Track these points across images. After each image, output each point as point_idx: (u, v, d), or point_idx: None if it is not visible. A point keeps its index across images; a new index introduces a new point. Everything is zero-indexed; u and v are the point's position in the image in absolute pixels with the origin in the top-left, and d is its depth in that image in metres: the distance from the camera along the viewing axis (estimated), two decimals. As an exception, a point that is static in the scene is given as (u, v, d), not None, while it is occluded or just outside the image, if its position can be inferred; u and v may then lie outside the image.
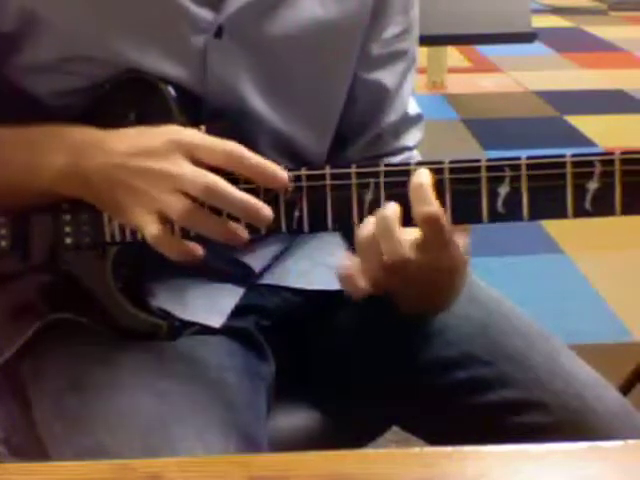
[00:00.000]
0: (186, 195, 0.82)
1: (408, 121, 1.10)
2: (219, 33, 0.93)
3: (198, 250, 0.84)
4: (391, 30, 1.05)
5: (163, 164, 0.84)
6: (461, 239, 0.85)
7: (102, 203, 0.89)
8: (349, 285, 0.85)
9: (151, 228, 0.83)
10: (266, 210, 0.83)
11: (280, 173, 0.83)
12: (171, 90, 0.91)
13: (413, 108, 1.11)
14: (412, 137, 1.10)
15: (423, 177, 0.81)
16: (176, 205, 0.82)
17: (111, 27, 0.91)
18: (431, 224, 0.80)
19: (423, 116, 1.12)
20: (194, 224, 0.84)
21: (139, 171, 0.85)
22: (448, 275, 0.87)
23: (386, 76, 1.06)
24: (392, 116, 1.08)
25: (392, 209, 0.82)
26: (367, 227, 0.83)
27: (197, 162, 0.83)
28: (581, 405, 0.94)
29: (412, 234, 0.82)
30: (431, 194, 0.81)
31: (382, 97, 1.07)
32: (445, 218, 0.81)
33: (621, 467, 0.66)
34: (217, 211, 0.83)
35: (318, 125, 1.03)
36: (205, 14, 0.92)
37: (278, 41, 0.96)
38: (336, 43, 1.00)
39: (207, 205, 0.83)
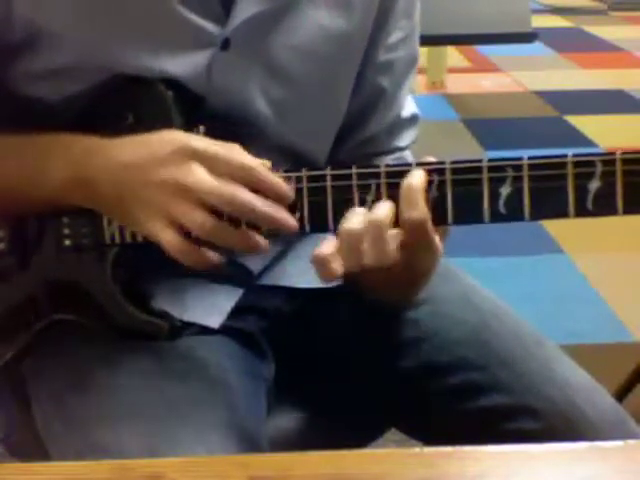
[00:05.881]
0: (206, 207, 0.81)
1: (402, 123, 1.10)
2: (225, 46, 0.93)
3: (216, 258, 0.84)
4: (395, 35, 1.05)
5: (176, 174, 0.82)
6: (439, 241, 0.85)
7: (111, 213, 0.89)
8: (322, 269, 0.84)
9: (169, 239, 0.82)
10: (292, 220, 0.83)
11: (288, 192, 0.83)
12: (170, 91, 0.91)
13: (410, 108, 1.11)
14: (405, 137, 1.10)
15: (414, 179, 0.82)
16: (199, 219, 0.81)
17: (116, 38, 0.91)
18: (418, 229, 0.81)
19: (418, 116, 1.12)
20: (218, 238, 0.82)
21: (150, 181, 0.83)
22: (423, 275, 0.88)
23: (387, 79, 1.06)
24: (387, 117, 1.08)
25: (385, 213, 0.82)
26: (354, 222, 0.82)
27: (210, 170, 0.82)
28: (573, 411, 0.93)
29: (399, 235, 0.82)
30: (419, 197, 0.81)
31: (380, 99, 1.07)
32: (430, 222, 0.81)
33: (621, 467, 0.66)
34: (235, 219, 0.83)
35: (321, 131, 1.03)
36: (211, 27, 0.92)
37: (284, 52, 0.96)
38: (341, 53, 1.00)
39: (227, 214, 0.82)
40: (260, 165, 0.83)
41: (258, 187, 0.83)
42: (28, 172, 0.90)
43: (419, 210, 0.81)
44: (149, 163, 0.84)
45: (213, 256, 0.84)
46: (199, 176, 0.82)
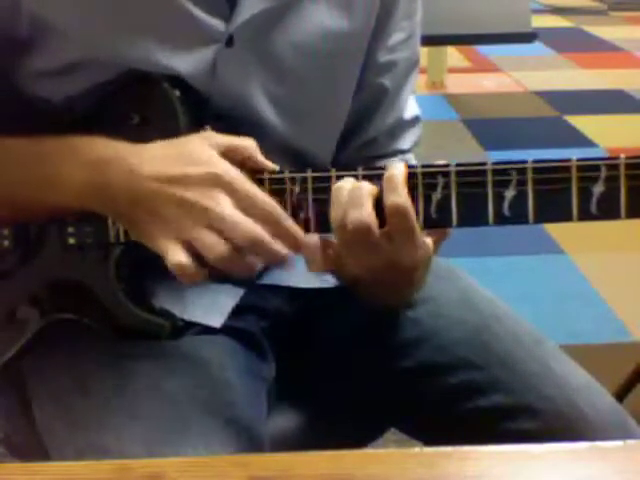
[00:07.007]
0: (222, 235, 0.82)
1: (404, 124, 1.10)
2: (230, 42, 0.93)
3: (207, 276, 0.85)
4: (397, 36, 1.05)
5: (201, 198, 0.83)
6: (430, 241, 0.86)
7: (125, 222, 0.89)
8: (309, 252, 0.87)
9: (176, 257, 0.83)
10: (293, 261, 0.85)
11: (301, 239, 0.85)
12: (175, 90, 0.91)
13: (412, 109, 1.11)
14: (407, 140, 1.10)
15: (396, 169, 0.83)
16: (215, 247, 0.82)
17: (123, 34, 0.91)
18: (398, 214, 0.82)
19: (420, 117, 1.12)
20: (228, 267, 0.83)
21: (172, 200, 0.83)
22: (408, 271, 0.88)
23: (388, 80, 1.07)
24: (388, 119, 1.08)
25: (367, 183, 0.84)
26: (345, 181, 0.84)
27: (234, 201, 0.83)
28: (572, 411, 0.94)
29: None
30: (402, 185, 0.82)
31: (381, 100, 1.07)
32: (413, 211, 0.82)
33: (621, 467, 0.67)
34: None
35: (324, 132, 1.04)
36: (216, 24, 0.93)
37: (286, 50, 0.96)
38: (343, 52, 1.00)
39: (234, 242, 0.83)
40: (281, 211, 0.84)
41: (274, 228, 0.83)
42: (39, 178, 0.90)
43: (402, 196, 0.82)
44: (174, 180, 0.84)
45: (206, 274, 0.85)
46: (221, 205, 0.82)
